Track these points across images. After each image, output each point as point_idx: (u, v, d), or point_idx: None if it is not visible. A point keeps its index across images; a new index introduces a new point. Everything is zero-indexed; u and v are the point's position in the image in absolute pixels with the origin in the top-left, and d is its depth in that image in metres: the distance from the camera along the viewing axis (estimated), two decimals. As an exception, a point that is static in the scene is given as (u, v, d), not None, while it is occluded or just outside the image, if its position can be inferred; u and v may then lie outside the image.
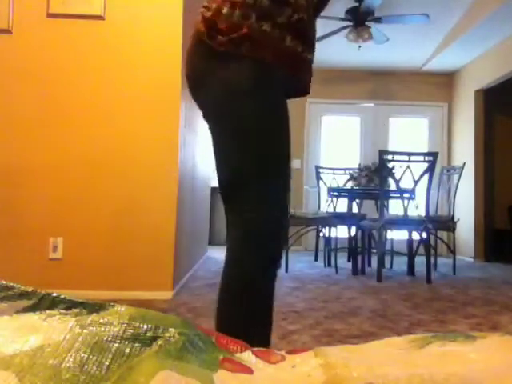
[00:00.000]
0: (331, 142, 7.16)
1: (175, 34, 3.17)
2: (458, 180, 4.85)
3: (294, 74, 1.19)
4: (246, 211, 1.12)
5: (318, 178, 5.62)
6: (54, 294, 0.76)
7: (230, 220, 1.16)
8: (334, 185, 5.45)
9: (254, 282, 1.12)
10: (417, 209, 4.29)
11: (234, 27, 1.08)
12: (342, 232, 5.01)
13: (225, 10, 1.09)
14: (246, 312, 1.11)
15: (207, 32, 1.11)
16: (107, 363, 0.61)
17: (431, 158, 4.15)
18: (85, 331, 0.66)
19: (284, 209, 1.16)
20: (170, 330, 0.69)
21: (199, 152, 4.38)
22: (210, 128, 1.18)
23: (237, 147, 1.13)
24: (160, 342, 0.67)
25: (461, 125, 6.75)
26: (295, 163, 6.78)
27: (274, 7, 1.11)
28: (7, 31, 3.09)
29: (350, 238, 4.74)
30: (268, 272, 1.13)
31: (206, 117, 1.19)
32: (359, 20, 5.07)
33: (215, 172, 1.19)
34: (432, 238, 4.69)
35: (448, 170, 5.22)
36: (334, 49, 6.09)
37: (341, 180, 5.56)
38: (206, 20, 1.12)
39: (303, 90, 1.26)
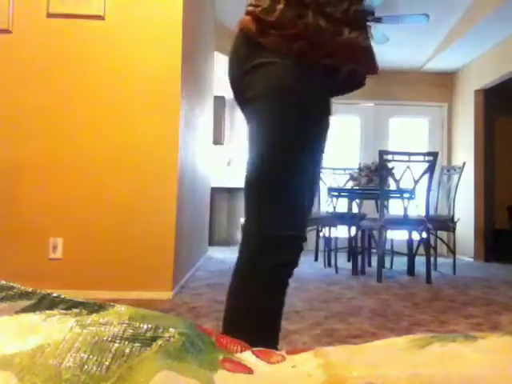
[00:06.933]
0: (331, 142, 7.15)
1: (175, 34, 3.16)
2: (458, 180, 4.85)
3: (357, 66, 1.15)
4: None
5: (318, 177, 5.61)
6: (54, 294, 0.76)
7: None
8: (334, 185, 5.45)
9: (264, 281, 1.14)
10: (417, 207, 4.29)
11: (289, 24, 1.06)
12: (342, 232, 5.01)
13: (279, 7, 1.06)
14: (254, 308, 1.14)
15: (257, 29, 1.08)
16: (107, 363, 0.61)
17: (431, 158, 4.15)
18: (85, 331, 0.66)
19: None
20: (170, 330, 0.69)
21: (199, 152, 4.38)
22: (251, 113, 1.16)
23: (260, 139, 1.14)
24: (160, 342, 0.67)
25: (461, 125, 6.74)
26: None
27: (330, 2, 1.08)
28: (7, 31, 3.09)
29: (350, 238, 4.74)
30: (278, 274, 1.16)
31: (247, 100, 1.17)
32: (359, 20, 5.07)
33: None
34: (432, 238, 4.69)
35: (448, 170, 5.22)
36: (334, 49, 6.09)
37: (341, 180, 5.55)
38: (256, 17, 1.08)
39: (359, 83, 1.23)
